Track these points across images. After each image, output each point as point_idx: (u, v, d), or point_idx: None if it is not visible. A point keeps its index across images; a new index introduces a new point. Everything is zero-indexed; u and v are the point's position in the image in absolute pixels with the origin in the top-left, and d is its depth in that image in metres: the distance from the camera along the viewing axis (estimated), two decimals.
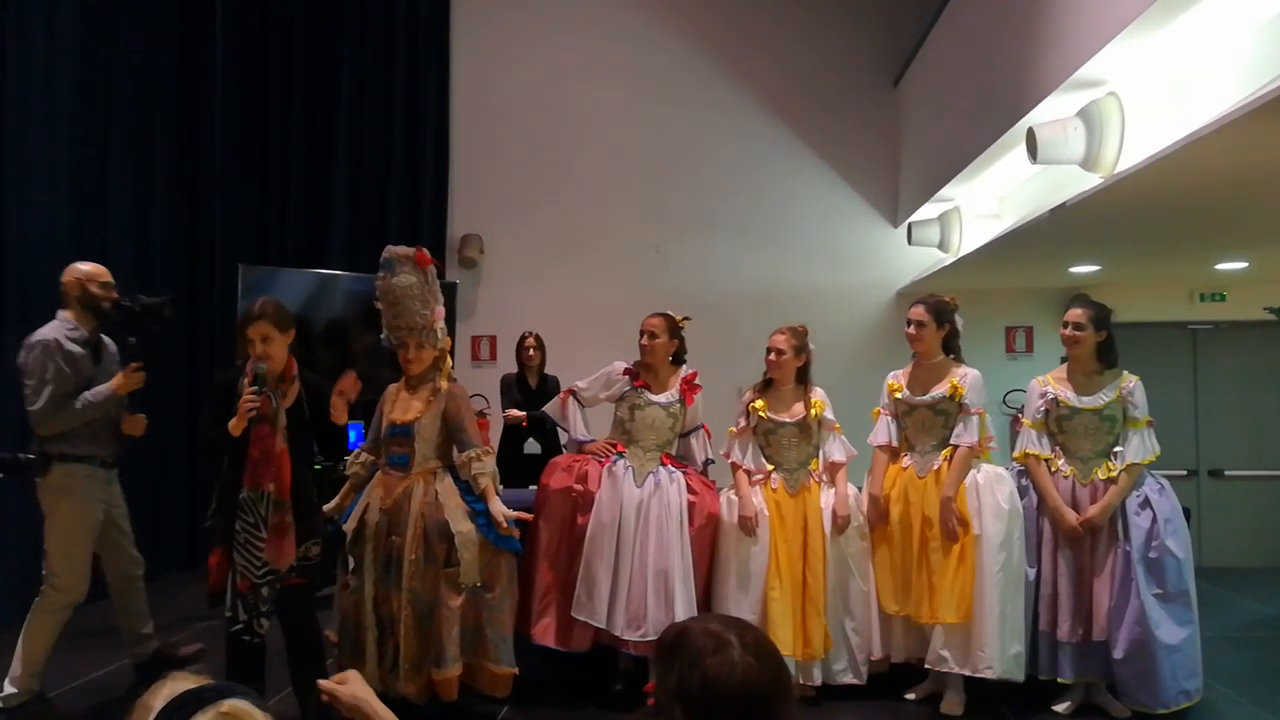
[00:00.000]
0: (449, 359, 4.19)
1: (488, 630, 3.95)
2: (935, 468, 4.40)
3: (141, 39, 6.91)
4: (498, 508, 3.94)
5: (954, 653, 4.23)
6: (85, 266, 4.42)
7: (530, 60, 8.08)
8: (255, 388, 3.65)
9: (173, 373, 7.16)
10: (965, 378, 4.43)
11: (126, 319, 4.35)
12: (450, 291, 7.52)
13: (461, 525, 3.91)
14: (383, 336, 4.12)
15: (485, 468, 4.00)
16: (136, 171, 6.85)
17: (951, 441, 4.39)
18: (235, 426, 3.67)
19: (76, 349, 4.23)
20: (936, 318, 4.47)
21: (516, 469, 5.77)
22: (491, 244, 7.99)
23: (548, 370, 6.22)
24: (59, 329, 4.25)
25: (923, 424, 4.48)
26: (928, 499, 4.36)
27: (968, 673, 4.22)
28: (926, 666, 4.33)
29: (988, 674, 4.19)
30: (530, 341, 6.18)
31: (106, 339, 4.51)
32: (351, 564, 4.05)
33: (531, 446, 6.01)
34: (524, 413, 5.91)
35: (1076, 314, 4.38)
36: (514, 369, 6.34)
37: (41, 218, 5.93)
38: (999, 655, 4.17)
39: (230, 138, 7.83)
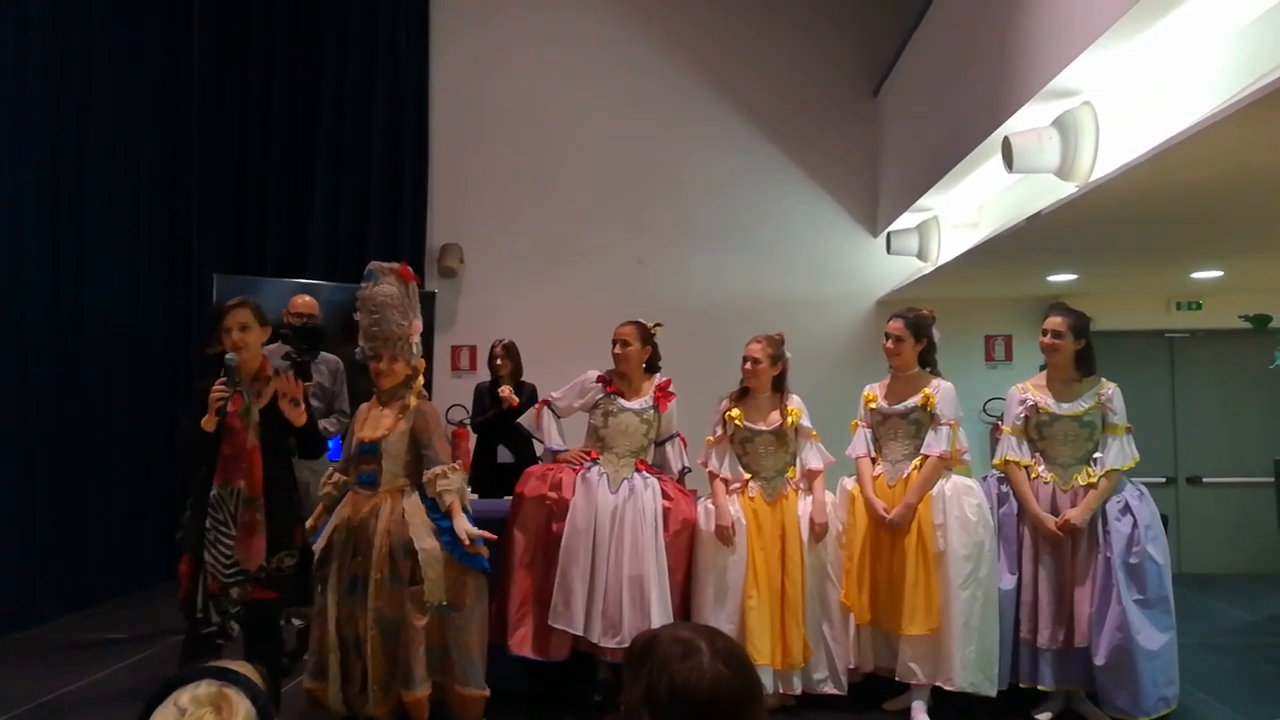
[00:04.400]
0: (421, 378, 4.16)
1: (453, 652, 3.88)
2: (905, 476, 4.41)
3: (119, 48, 6.87)
4: (462, 525, 3.87)
5: (922, 665, 4.23)
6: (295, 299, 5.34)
7: (511, 69, 8.07)
8: (225, 380, 3.63)
9: (151, 383, 7.11)
10: (938, 389, 4.44)
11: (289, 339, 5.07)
12: (430, 301, 7.46)
13: (425, 543, 3.83)
14: (357, 349, 4.11)
15: (451, 484, 3.92)
16: (114, 180, 6.79)
17: (922, 451, 4.40)
18: (207, 422, 3.63)
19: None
20: (915, 332, 4.49)
21: (489, 479, 5.72)
22: (471, 253, 7.96)
23: (526, 379, 6.16)
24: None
25: (895, 433, 4.50)
26: (897, 506, 4.36)
27: (938, 684, 4.21)
28: (897, 679, 4.32)
29: (948, 686, 4.19)
30: (497, 351, 6.04)
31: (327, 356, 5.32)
32: (320, 584, 4.00)
33: (504, 455, 5.96)
34: (512, 396, 5.83)
35: (1055, 322, 4.39)
36: (489, 378, 6.29)
37: (11, 224, 5.86)
38: (962, 666, 4.15)
39: (208, 146, 7.78)
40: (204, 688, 1.49)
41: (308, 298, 5.42)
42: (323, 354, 5.26)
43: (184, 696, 1.48)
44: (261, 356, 3.85)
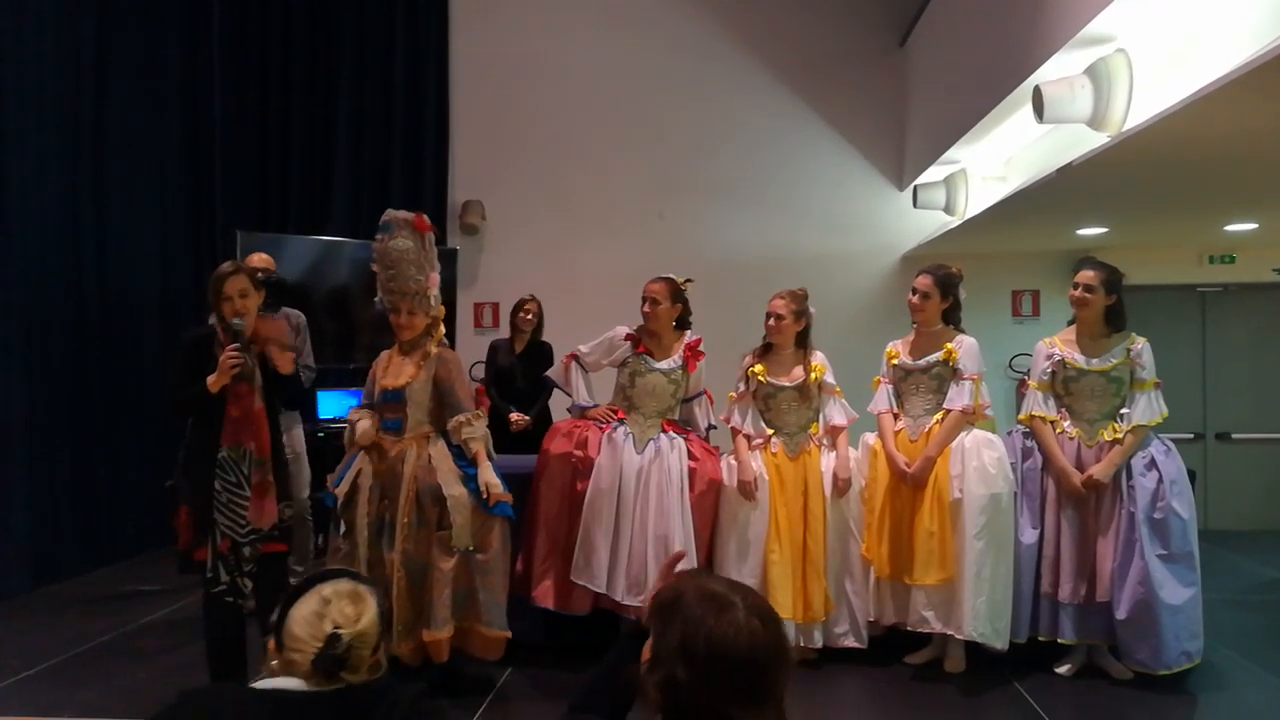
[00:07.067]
0: (441, 326, 4.18)
1: (480, 593, 3.96)
2: (927, 430, 4.39)
3: (141, 7, 6.83)
4: (486, 475, 3.94)
5: (935, 612, 4.23)
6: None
7: (531, 25, 7.97)
8: (237, 345, 3.65)
9: (178, 336, 7.14)
10: (961, 344, 4.41)
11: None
12: (451, 258, 7.47)
13: (454, 489, 3.91)
14: (376, 299, 4.12)
15: (476, 432, 3.99)
16: (136, 139, 6.80)
17: (945, 405, 4.38)
18: (215, 383, 3.66)
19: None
20: (942, 289, 4.45)
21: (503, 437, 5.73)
22: (494, 210, 7.93)
23: (546, 337, 6.14)
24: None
25: (917, 388, 4.48)
26: (917, 460, 4.34)
27: (950, 632, 4.22)
28: (908, 628, 4.33)
29: (958, 635, 4.19)
30: (531, 306, 6.06)
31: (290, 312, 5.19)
32: (344, 528, 4.06)
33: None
34: (525, 417, 5.84)
35: (1088, 275, 4.33)
36: (507, 335, 6.26)
37: (38, 185, 5.89)
38: (973, 616, 4.14)
39: (231, 105, 7.77)
40: (344, 583, 1.72)
41: (264, 255, 5.48)
42: (285, 309, 5.21)
43: (326, 589, 1.71)
44: (255, 321, 3.87)
